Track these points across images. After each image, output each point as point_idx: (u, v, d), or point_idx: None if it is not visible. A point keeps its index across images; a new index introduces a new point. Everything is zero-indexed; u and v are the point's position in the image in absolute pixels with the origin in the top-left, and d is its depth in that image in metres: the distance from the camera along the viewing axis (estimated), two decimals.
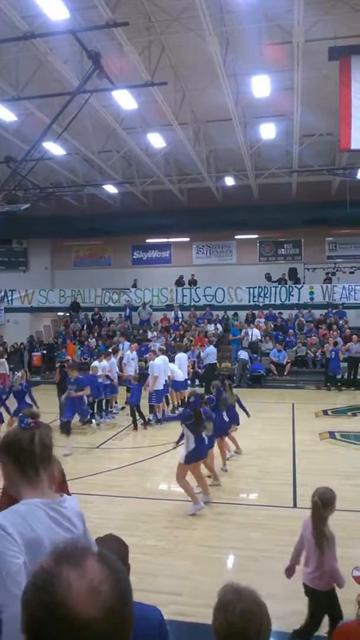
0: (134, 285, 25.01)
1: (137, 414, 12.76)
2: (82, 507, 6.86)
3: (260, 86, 12.82)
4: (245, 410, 10.70)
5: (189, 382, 15.72)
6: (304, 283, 23.53)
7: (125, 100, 13.47)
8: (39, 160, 16.32)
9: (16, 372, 12.01)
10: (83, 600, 0.89)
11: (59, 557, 0.95)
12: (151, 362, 13.49)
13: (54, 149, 16.92)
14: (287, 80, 13.32)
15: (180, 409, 12.03)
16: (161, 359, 13.57)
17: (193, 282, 24.62)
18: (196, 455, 7.49)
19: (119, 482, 8.92)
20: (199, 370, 18.21)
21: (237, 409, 10.41)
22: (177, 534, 6.75)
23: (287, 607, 4.72)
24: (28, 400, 11.23)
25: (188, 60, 13.46)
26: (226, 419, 9.20)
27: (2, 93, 13.80)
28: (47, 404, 15.89)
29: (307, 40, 11.09)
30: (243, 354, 19.24)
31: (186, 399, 10.73)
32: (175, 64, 13.72)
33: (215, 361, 18.03)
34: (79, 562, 0.94)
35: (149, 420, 13.07)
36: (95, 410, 13.38)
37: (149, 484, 9.07)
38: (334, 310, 21.81)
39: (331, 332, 20.08)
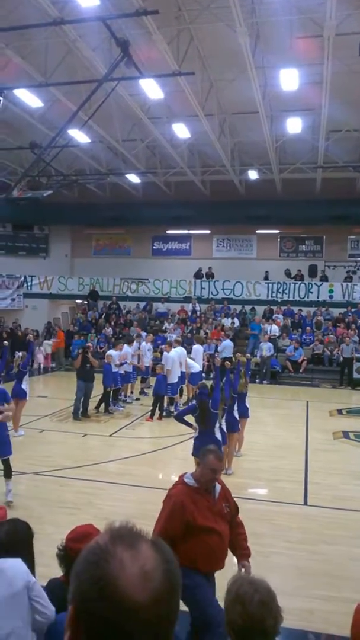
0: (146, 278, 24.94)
1: (158, 404, 12.82)
2: (94, 493, 6.97)
3: (289, 79, 12.67)
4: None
5: (203, 374, 15.71)
6: (326, 280, 23.23)
7: (152, 89, 13.42)
8: (64, 147, 16.35)
9: (17, 353, 12.05)
10: (134, 584, 0.88)
11: (114, 536, 0.95)
12: (165, 353, 13.53)
13: (78, 136, 16.95)
14: (315, 74, 13.14)
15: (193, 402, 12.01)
16: (176, 351, 13.58)
17: (211, 275, 24.54)
18: (195, 449, 7.35)
19: (131, 471, 8.98)
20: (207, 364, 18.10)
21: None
22: None
23: (294, 604, 4.73)
24: (24, 385, 11.21)
25: (216, 51, 13.34)
26: (236, 415, 8.98)
27: (29, 79, 13.82)
28: (61, 391, 16.09)
29: (338, 34, 10.92)
30: (265, 348, 19.04)
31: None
32: (203, 54, 13.61)
33: (231, 355, 18.00)
34: (133, 544, 0.93)
35: (171, 412, 13.12)
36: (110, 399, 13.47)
37: (160, 474, 9.12)
38: (353, 309, 21.59)
39: (349, 331, 19.90)
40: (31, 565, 2.71)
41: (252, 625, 2.12)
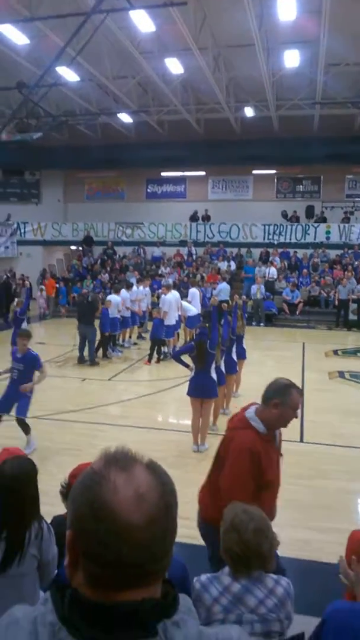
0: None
1: (156, 347, 12.92)
2: (95, 435, 7.08)
3: (286, 8, 12.09)
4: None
5: (201, 318, 15.77)
6: (324, 221, 22.92)
7: (142, 21, 12.80)
8: (52, 86, 15.76)
9: (16, 298, 12.08)
10: (128, 506, 0.91)
11: (109, 460, 0.97)
12: (163, 296, 13.54)
13: (67, 74, 16.29)
14: (314, 2, 12.50)
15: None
16: (172, 295, 13.59)
17: (207, 218, 24.23)
18: (190, 389, 7.42)
19: (130, 413, 9.16)
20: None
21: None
22: (187, 462, 6.98)
23: (290, 535, 4.93)
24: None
25: None
26: (234, 357, 9.04)
27: (14, 13, 13.12)
28: (59, 336, 16.19)
29: None
30: (258, 289, 19.03)
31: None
32: None
33: (228, 298, 18.03)
34: (127, 467, 0.96)
35: (165, 354, 13.24)
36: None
37: (159, 415, 9.31)
38: (350, 251, 21.47)
39: (346, 272, 19.87)
40: (36, 501, 2.78)
41: (249, 552, 2.23)
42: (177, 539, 2.66)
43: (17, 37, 14.07)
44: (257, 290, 19.00)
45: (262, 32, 14.19)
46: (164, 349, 13.38)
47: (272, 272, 20.42)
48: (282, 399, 3.29)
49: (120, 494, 0.92)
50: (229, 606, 2.20)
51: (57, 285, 21.75)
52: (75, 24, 12.01)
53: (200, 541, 4.85)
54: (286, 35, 14.67)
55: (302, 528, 5.30)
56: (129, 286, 15.29)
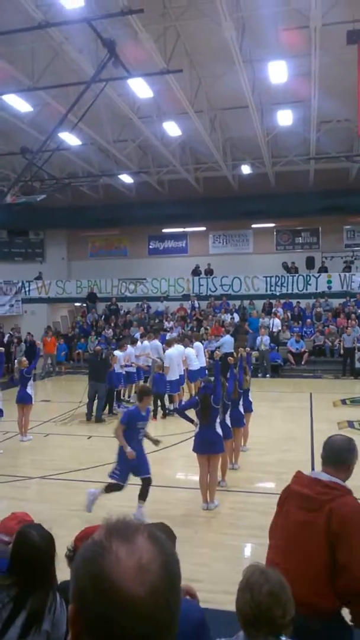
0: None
1: (159, 402, 12.81)
2: (103, 495, 6.85)
3: (277, 72, 12.66)
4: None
5: (207, 371, 15.71)
6: (326, 271, 23.14)
7: (140, 88, 13.40)
8: (55, 151, 16.33)
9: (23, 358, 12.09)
10: (130, 577, 0.88)
11: (110, 530, 0.95)
12: (167, 352, 13.54)
13: (69, 139, 16.94)
14: (304, 66, 13.12)
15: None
16: (176, 349, 13.59)
17: (209, 272, 24.53)
18: (196, 444, 7.31)
19: None
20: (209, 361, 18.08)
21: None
22: (196, 521, 6.78)
23: None
24: (29, 390, 11.22)
25: (204, 47, 13.32)
26: (241, 409, 8.92)
27: (17, 84, 13.81)
28: (63, 394, 16.09)
29: (325, 24, 10.91)
30: (262, 341, 19.04)
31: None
32: (190, 51, 13.59)
33: (232, 350, 17.98)
34: (129, 538, 0.93)
35: (170, 410, 13.11)
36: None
37: (167, 472, 9.11)
38: (352, 299, 21.58)
39: (350, 321, 19.90)
40: (54, 572, 2.70)
41: (259, 614, 2.14)
42: None
43: (20, 105, 14.74)
44: (261, 341, 18.99)
45: (255, 94, 14.82)
46: (170, 405, 13.26)
47: (277, 323, 20.47)
48: (355, 459, 3.13)
49: (122, 565, 0.89)
50: None
51: (58, 343, 21.78)
52: (76, 92, 12.58)
53: (214, 605, 4.65)
54: (278, 96, 15.30)
55: None
56: (133, 342, 15.33)
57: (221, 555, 5.81)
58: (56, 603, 2.56)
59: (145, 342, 15.69)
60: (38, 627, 2.47)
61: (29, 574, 2.55)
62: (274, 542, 3.10)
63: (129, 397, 14.78)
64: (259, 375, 18.21)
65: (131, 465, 6.84)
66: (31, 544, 2.61)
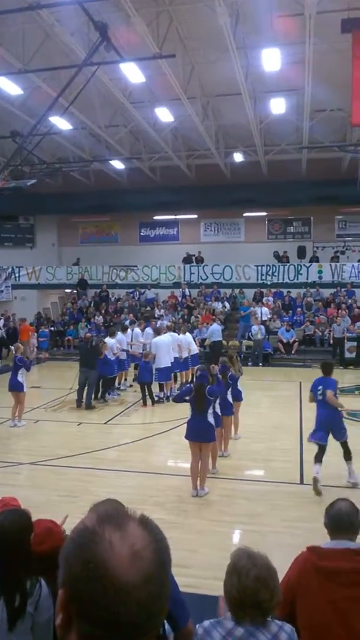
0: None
1: (146, 391, 12.83)
2: (91, 481, 6.96)
3: (271, 59, 12.55)
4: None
5: (199, 360, 15.75)
6: (317, 261, 23.18)
7: (132, 73, 13.24)
8: (46, 135, 16.15)
9: (11, 346, 12.00)
10: (124, 564, 0.88)
11: (102, 517, 0.94)
12: (154, 339, 13.55)
13: (60, 123, 16.73)
14: (298, 54, 13.02)
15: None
16: (167, 337, 13.60)
17: (200, 260, 24.50)
18: (188, 432, 7.36)
19: (128, 457, 9.02)
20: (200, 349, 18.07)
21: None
22: (186, 508, 6.84)
23: None
24: (20, 378, 11.14)
25: (197, 33, 13.18)
26: (230, 398, 8.95)
27: (7, 66, 13.59)
28: (54, 380, 16.08)
29: (320, 11, 10.83)
30: (258, 331, 19.11)
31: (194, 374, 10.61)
32: (184, 36, 13.44)
33: (220, 339, 18.02)
34: (121, 524, 0.93)
35: (160, 398, 13.14)
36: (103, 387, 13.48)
37: (156, 459, 9.16)
38: (342, 289, 21.67)
39: (340, 311, 19.99)
40: (30, 557, 2.67)
41: (246, 598, 2.19)
42: (180, 589, 2.56)
43: (11, 88, 14.51)
44: (258, 331, 19.02)
45: (249, 81, 14.71)
46: (161, 393, 13.29)
47: (265, 312, 20.51)
48: None
49: (116, 552, 0.89)
50: None
51: (41, 330, 21.69)
52: (68, 76, 12.42)
53: (202, 590, 4.71)
54: (272, 83, 15.20)
55: None
56: (124, 329, 15.31)
57: (210, 542, 5.86)
58: (41, 588, 2.56)
59: (137, 330, 15.68)
60: (22, 613, 2.47)
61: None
62: (307, 623, 2.64)
63: (119, 384, 14.78)
64: (249, 364, 18.24)
65: None
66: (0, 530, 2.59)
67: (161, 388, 13.41)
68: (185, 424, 7.52)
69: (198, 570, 5.15)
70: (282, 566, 4.64)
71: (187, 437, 7.34)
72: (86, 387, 12.61)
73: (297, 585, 2.70)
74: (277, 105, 16.30)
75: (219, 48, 12.94)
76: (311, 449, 9.28)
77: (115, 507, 0.99)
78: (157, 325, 16.14)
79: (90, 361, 12.65)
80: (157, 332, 14.03)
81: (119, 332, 14.59)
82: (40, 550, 2.78)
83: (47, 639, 2.54)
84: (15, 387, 10.99)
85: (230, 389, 8.95)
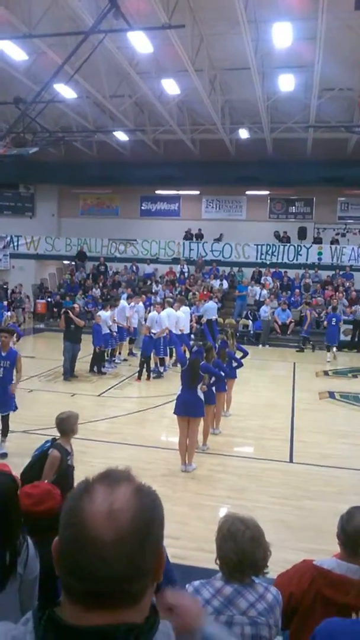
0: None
1: (145, 365, 12.90)
2: (84, 451, 7.03)
3: (282, 34, 12.28)
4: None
5: (192, 336, 15.78)
6: (320, 242, 23.08)
7: (140, 42, 12.96)
8: (49, 103, 15.90)
9: (5, 312, 11.99)
10: (98, 519, 0.92)
11: (103, 474, 1.00)
12: (150, 314, 13.58)
13: (64, 91, 16.45)
14: (309, 30, 12.76)
15: None
16: (167, 312, 13.61)
17: (200, 236, 24.38)
18: (177, 407, 7.40)
19: (120, 430, 9.11)
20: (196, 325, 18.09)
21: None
22: (176, 481, 6.94)
23: (279, 555, 4.87)
24: (11, 345, 11.19)
25: (208, 3, 12.87)
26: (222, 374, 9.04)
27: (13, 30, 13.28)
28: (50, 351, 16.12)
29: None
30: (265, 313, 19.17)
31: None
32: (194, 6, 13.14)
33: (215, 317, 17.99)
34: (113, 484, 0.97)
35: (160, 372, 13.25)
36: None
37: (148, 433, 9.26)
38: (341, 272, 21.66)
39: (337, 293, 20.00)
40: (19, 517, 2.73)
41: (244, 559, 2.29)
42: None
43: (15, 53, 14.19)
44: (269, 312, 19.10)
45: (258, 56, 14.45)
46: (161, 368, 13.40)
47: (264, 294, 20.53)
48: None
49: (95, 506, 0.93)
50: (220, 607, 2.24)
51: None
52: (74, 43, 12.17)
53: (190, 562, 4.82)
54: (281, 59, 14.94)
55: (291, 549, 5.25)
56: (116, 299, 15.36)
57: (198, 515, 5.97)
58: (28, 548, 2.62)
59: (132, 304, 15.67)
60: (13, 573, 2.53)
61: None
62: None
63: (114, 357, 14.80)
64: (260, 345, 18.27)
65: None
66: None
67: (162, 362, 13.50)
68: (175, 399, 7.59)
69: (185, 542, 5.26)
70: (270, 540, 4.75)
71: (175, 412, 7.40)
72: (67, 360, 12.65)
73: (299, 605, 2.41)
74: (286, 82, 16.02)
75: (230, 21, 12.68)
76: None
77: (120, 470, 1.02)
78: (157, 301, 16.14)
79: (72, 334, 12.59)
80: (160, 307, 13.93)
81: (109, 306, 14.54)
82: (38, 510, 2.91)
83: (32, 599, 2.61)
84: None
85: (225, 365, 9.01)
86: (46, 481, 4.22)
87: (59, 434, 5.02)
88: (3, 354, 7.59)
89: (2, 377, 7.58)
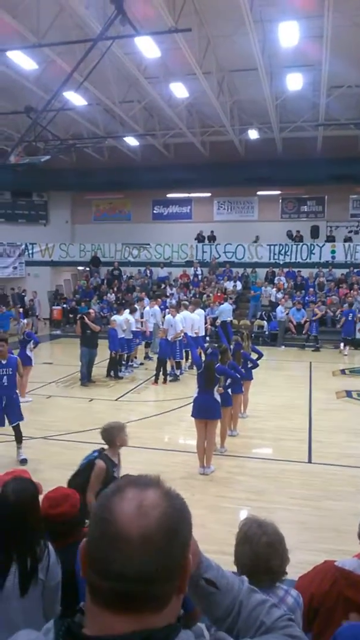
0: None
1: (162, 368, 12.92)
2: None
3: (288, 33, 12.28)
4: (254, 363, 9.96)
5: (207, 338, 15.79)
6: (333, 240, 22.95)
7: (148, 47, 13.03)
8: (60, 110, 16.03)
9: (21, 320, 12.11)
10: (127, 516, 0.93)
11: (134, 478, 1.02)
12: (167, 317, 13.60)
13: (74, 98, 16.58)
14: (316, 28, 12.73)
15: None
16: (182, 315, 13.65)
17: (212, 238, 24.38)
18: (194, 410, 7.39)
19: (138, 434, 9.10)
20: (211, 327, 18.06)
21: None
22: (194, 484, 6.94)
23: (299, 557, 4.85)
24: (28, 352, 11.31)
25: (213, 6, 12.91)
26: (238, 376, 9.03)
27: (22, 40, 13.43)
28: (67, 357, 16.23)
29: None
30: (281, 313, 19.13)
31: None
32: (200, 9, 13.17)
33: (230, 318, 17.98)
34: (142, 486, 1.00)
35: (177, 375, 13.31)
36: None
37: (166, 436, 9.28)
38: (355, 270, 21.50)
39: (351, 291, 19.86)
40: (40, 524, 2.75)
41: (258, 564, 2.25)
42: None
43: (25, 62, 14.35)
44: (286, 313, 19.04)
45: (265, 56, 14.44)
46: (178, 371, 13.43)
47: (278, 296, 20.48)
48: None
49: (124, 503, 0.95)
50: None
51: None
52: (82, 50, 12.27)
53: None
54: (289, 59, 14.91)
55: (311, 550, 5.24)
56: (132, 309, 15.39)
57: (217, 518, 5.97)
58: (50, 554, 2.64)
59: (147, 308, 15.73)
60: (34, 579, 2.55)
61: (3, 527, 2.62)
62: None
63: (131, 362, 14.82)
64: (279, 347, 18.22)
65: None
66: (3, 499, 2.64)
67: (178, 366, 13.53)
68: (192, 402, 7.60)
69: (204, 545, 5.18)
70: (289, 542, 4.72)
71: (193, 415, 7.41)
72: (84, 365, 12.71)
73: (320, 606, 2.40)
74: (294, 81, 15.99)
75: (236, 22, 12.68)
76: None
77: (151, 475, 1.05)
78: (172, 304, 16.17)
79: (88, 340, 12.63)
80: (175, 310, 13.96)
81: (126, 311, 14.59)
82: (54, 513, 2.91)
83: (55, 605, 2.64)
84: (23, 362, 11.11)
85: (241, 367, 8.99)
86: (92, 492, 4.29)
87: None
88: (3, 362, 7.50)
89: (7, 385, 7.51)
